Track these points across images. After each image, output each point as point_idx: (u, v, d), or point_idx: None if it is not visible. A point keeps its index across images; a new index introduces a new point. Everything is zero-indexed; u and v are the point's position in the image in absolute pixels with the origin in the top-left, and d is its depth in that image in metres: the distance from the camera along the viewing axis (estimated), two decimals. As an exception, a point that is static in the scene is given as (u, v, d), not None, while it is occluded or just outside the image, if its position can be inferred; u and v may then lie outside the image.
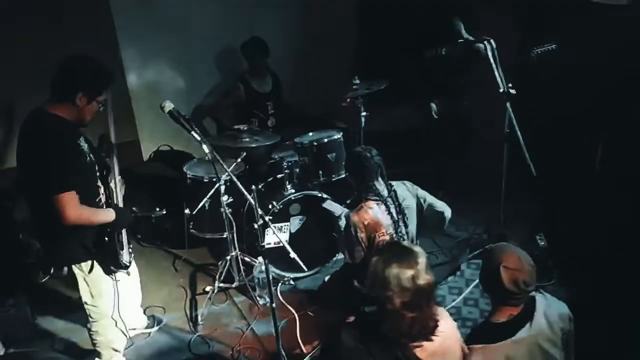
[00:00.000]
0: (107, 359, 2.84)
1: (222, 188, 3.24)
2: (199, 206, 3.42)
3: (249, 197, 2.45)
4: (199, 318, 3.31)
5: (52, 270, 3.59)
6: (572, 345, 2.09)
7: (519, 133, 3.26)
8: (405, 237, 2.84)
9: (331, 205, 3.51)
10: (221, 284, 3.49)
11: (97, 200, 2.49)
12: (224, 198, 3.26)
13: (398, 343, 1.82)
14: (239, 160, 3.54)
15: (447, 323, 1.95)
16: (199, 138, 2.43)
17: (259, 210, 2.44)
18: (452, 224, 4.09)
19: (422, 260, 1.85)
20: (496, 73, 3.25)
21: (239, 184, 2.47)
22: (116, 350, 2.85)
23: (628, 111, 3.64)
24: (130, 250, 2.66)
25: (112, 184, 2.62)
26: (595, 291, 3.09)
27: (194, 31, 4.51)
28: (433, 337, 1.84)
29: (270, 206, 3.43)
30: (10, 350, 3.05)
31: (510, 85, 3.27)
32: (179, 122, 2.45)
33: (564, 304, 2.09)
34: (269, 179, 3.77)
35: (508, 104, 3.28)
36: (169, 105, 2.47)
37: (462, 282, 3.49)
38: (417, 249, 1.91)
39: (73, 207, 2.27)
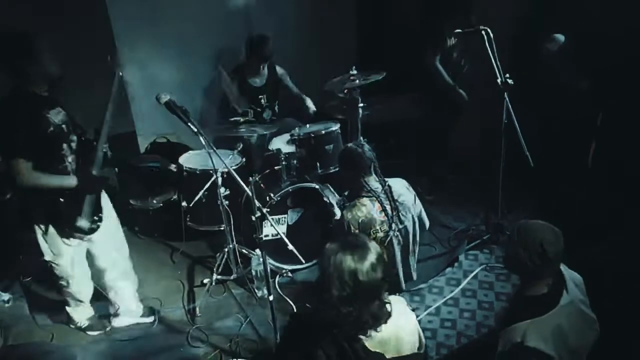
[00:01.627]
0: (73, 307, 3.08)
1: (219, 180, 3.23)
2: (196, 199, 3.41)
3: (246, 189, 2.45)
4: (197, 310, 3.31)
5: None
6: None
7: (516, 124, 3.26)
8: (399, 233, 2.82)
9: (330, 196, 3.51)
10: (219, 277, 3.48)
11: (61, 166, 2.61)
12: (221, 190, 3.25)
13: (339, 334, 1.79)
14: (235, 152, 3.53)
15: (405, 314, 1.95)
16: (195, 129, 2.42)
17: (256, 202, 2.43)
18: (450, 215, 4.14)
19: (371, 257, 1.80)
20: (494, 63, 3.25)
21: (236, 176, 2.46)
22: (80, 301, 3.06)
23: (624, 103, 3.63)
24: (97, 217, 2.77)
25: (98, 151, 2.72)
26: (597, 280, 3.08)
27: (191, 22, 4.46)
28: (380, 329, 1.82)
29: (267, 198, 3.42)
30: (8, 343, 3.06)
31: (507, 75, 3.27)
32: (176, 113, 2.44)
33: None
34: (266, 171, 3.75)
35: (506, 95, 3.28)
36: (164, 97, 2.46)
37: (460, 274, 3.50)
38: (372, 245, 1.85)
39: (24, 173, 2.45)
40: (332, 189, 3.52)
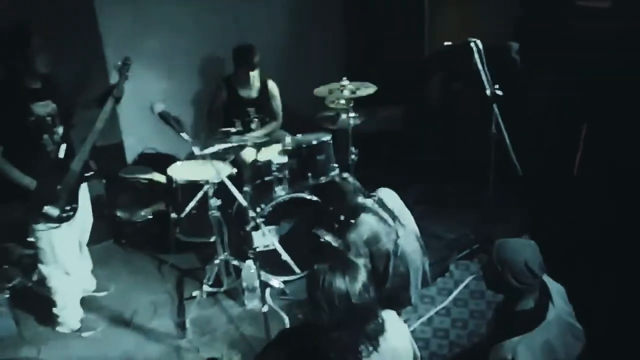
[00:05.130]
0: (61, 307, 3.10)
1: (211, 191, 3.20)
2: (187, 210, 3.37)
3: (241, 200, 2.43)
4: (187, 323, 3.26)
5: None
6: None
7: (505, 134, 3.31)
8: (400, 238, 2.81)
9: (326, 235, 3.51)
10: (209, 289, 3.44)
11: (40, 154, 2.76)
12: (213, 201, 3.22)
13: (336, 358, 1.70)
14: (226, 162, 3.50)
15: (397, 326, 1.90)
16: (189, 139, 2.41)
17: (251, 213, 2.42)
18: (441, 225, 4.15)
19: (362, 277, 1.71)
20: (482, 74, 3.29)
21: (231, 186, 2.45)
22: (68, 299, 3.12)
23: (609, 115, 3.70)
24: (70, 207, 2.86)
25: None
26: (586, 290, 3.11)
27: (179, 32, 4.46)
28: (379, 349, 1.74)
29: (258, 209, 3.40)
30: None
31: (496, 86, 3.31)
32: (169, 123, 2.43)
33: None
34: (257, 182, 3.73)
35: (494, 105, 3.32)
36: (158, 107, 2.45)
37: (452, 283, 3.50)
38: (361, 264, 1.77)
39: None
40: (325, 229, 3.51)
